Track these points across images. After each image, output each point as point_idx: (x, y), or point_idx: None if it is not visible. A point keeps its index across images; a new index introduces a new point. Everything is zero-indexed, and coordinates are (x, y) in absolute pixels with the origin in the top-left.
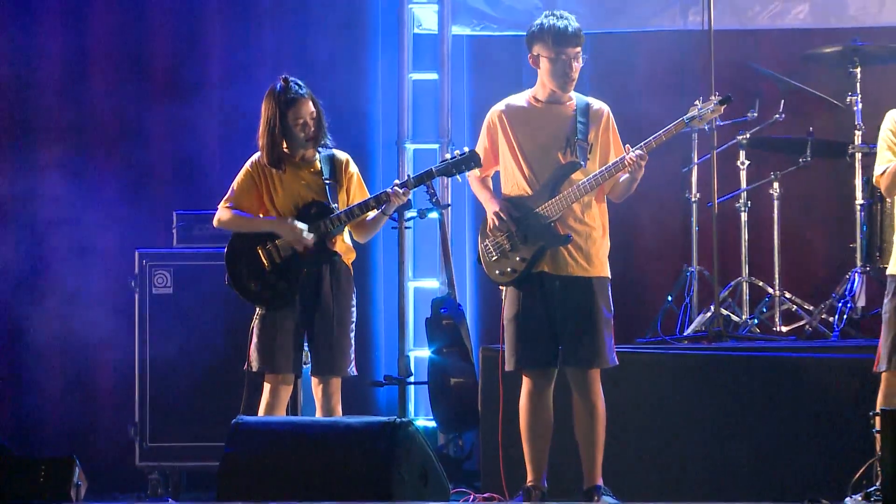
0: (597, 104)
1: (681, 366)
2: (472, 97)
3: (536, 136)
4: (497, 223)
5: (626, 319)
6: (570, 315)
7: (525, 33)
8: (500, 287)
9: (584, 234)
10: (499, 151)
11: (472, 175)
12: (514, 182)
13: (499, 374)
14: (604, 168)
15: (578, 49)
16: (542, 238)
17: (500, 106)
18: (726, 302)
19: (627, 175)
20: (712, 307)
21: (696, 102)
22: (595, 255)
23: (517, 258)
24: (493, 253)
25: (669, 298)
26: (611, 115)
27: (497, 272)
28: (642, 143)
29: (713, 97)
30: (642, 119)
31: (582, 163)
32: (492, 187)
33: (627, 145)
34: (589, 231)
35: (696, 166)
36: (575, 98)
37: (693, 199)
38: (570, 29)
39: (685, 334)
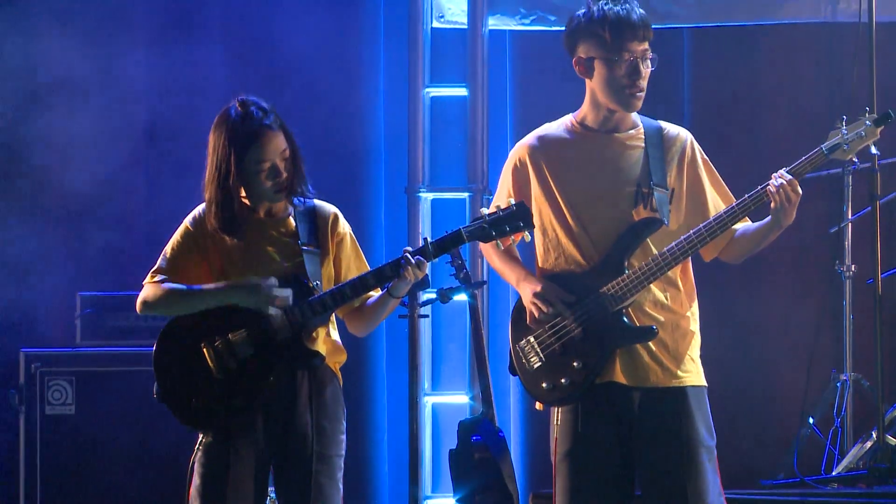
0: (673, 129)
1: None
2: (519, 122)
3: (591, 180)
4: (540, 313)
5: (746, 452)
6: (655, 444)
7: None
8: (540, 406)
9: (671, 325)
10: (531, 206)
11: (501, 244)
12: (559, 251)
13: None
14: (723, 212)
15: (647, 46)
16: (612, 333)
17: (529, 139)
18: (895, 426)
19: (765, 221)
20: (874, 434)
21: (839, 124)
22: (686, 355)
23: (574, 364)
24: (537, 358)
25: (811, 421)
26: (696, 144)
27: (544, 386)
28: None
29: (864, 115)
30: (769, 150)
31: (664, 219)
32: (520, 258)
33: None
34: (677, 320)
35: (849, 224)
36: (641, 122)
37: (846, 274)
38: (633, 15)
39: (835, 474)
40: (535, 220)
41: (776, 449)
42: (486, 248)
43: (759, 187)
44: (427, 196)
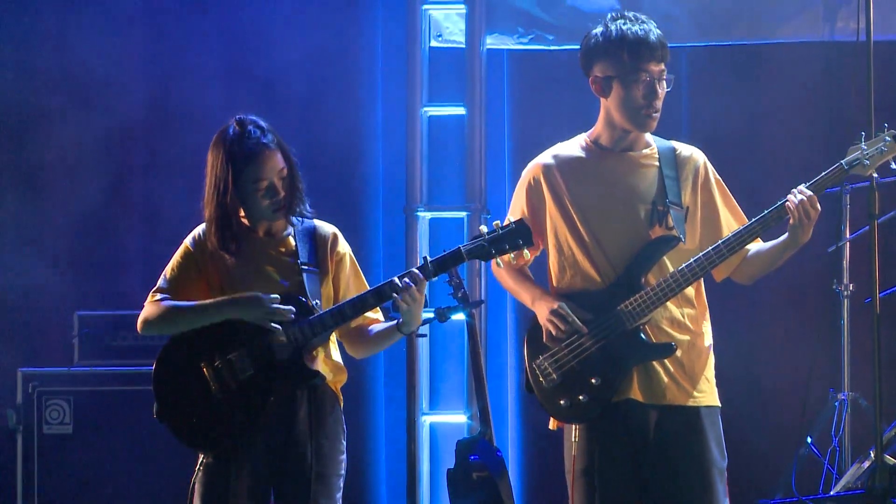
0: (686, 149)
1: None
2: (516, 141)
3: (607, 198)
4: (557, 330)
5: (743, 471)
6: (668, 463)
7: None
8: (554, 425)
9: (687, 344)
10: (545, 225)
11: (500, 262)
12: (575, 269)
13: None
14: (742, 228)
15: (663, 66)
16: (630, 350)
17: (544, 158)
18: (894, 446)
19: (781, 239)
20: (872, 453)
21: (858, 141)
22: (702, 374)
23: (593, 381)
24: (554, 375)
25: (809, 440)
26: (709, 164)
27: (562, 403)
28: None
29: (884, 132)
30: (767, 170)
31: (682, 237)
32: (532, 278)
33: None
34: (693, 339)
35: (847, 243)
36: (654, 142)
37: (844, 293)
38: (651, 36)
39: (833, 493)
40: (550, 239)
41: (774, 468)
42: (498, 270)
43: (778, 203)
44: (425, 215)
